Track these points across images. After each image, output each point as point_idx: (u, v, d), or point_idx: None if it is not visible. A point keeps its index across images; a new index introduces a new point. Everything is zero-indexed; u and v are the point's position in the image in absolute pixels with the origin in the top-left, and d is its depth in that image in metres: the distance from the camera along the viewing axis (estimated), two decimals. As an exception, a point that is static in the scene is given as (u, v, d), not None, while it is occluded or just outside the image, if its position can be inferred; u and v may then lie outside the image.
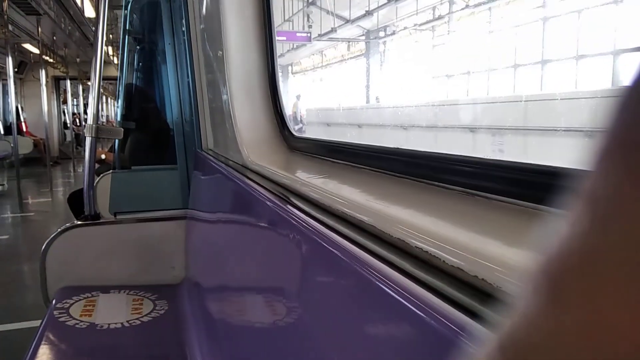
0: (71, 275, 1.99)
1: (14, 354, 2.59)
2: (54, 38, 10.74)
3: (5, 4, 6.82)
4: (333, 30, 15.84)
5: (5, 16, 7.07)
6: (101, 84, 1.98)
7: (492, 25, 11.99)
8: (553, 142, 5.68)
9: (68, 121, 15.68)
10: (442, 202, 0.67)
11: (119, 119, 2.58)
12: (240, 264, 1.25)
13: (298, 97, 17.76)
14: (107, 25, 1.92)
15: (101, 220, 2.07)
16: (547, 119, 6.32)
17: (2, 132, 11.79)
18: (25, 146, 11.22)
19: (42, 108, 9.59)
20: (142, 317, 1.75)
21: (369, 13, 14.52)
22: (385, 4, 13.76)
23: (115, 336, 1.62)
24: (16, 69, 11.12)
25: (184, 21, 2.09)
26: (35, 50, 10.26)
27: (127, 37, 2.58)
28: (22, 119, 12.33)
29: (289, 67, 23.76)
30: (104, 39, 1.98)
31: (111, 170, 2.26)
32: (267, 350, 0.93)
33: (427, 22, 14.14)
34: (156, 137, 2.54)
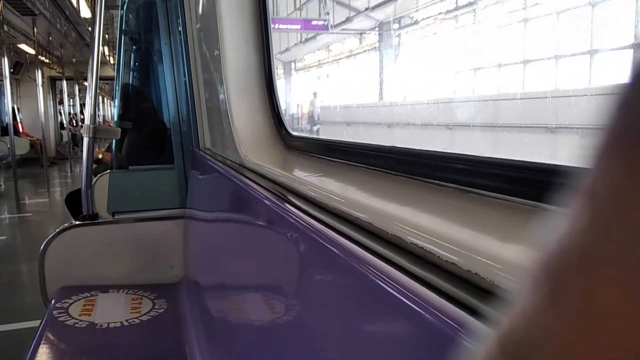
0: (70, 275, 1.99)
1: (14, 354, 2.59)
2: (50, 38, 10.69)
3: (0, 5, 6.80)
4: (348, 19, 14.40)
5: (1, 16, 7.05)
6: (98, 84, 1.98)
7: (526, 12, 9.82)
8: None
9: (65, 121, 15.65)
10: (437, 199, 0.68)
11: (116, 119, 2.58)
12: (238, 262, 1.26)
13: (315, 94, 16.41)
14: (104, 25, 1.91)
15: (99, 220, 2.08)
16: None
17: (-1, 133, 11.76)
18: (21, 147, 11.19)
19: (39, 108, 9.56)
20: (141, 316, 1.75)
21: (383, 3, 12.99)
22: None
23: (114, 335, 1.63)
24: (12, 70, 11.08)
25: (180, 21, 2.10)
26: (31, 51, 10.22)
27: (123, 37, 2.58)
28: (18, 120, 12.29)
29: (292, 64, 22.15)
30: (101, 39, 1.98)
31: (109, 170, 2.26)
32: (265, 348, 0.94)
33: (449, 11, 11.90)
34: (153, 137, 2.54)
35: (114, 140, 2.50)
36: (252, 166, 1.32)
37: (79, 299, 1.86)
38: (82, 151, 2.04)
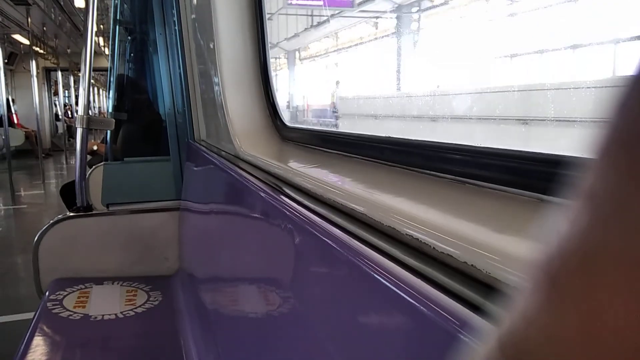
0: (64, 267, 1.98)
1: (8, 345, 2.59)
2: (44, 29, 10.62)
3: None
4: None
5: (-6, 6, 7.00)
6: (92, 74, 1.96)
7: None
8: None
9: (60, 113, 15.57)
10: (433, 190, 0.67)
11: (110, 110, 2.57)
12: (233, 254, 1.25)
13: (337, 83, 14.27)
14: (98, 15, 1.89)
15: (94, 212, 2.07)
16: None
17: (-7, 124, 11.69)
18: (16, 138, 11.15)
19: (33, 100, 9.51)
20: (135, 308, 1.75)
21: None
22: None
23: (109, 327, 1.62)
24: (6, 60, 11.01)
25: (174, 11, 2.08)
26: (25, 41, 10.15)
27: (117, 27, 2.56)
28: (13, 111, 12.23)
29: (296, 53, 20.19)
30: (94, 29, 1.96)
31: (103, 162, 2.25)
32: (260, 340, 0.93)
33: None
34: (148, 128, 2.53)
35: (108, 132, 2.49)
36: (247, 157, 1.32)
37: (74, 291, 1.86)
38: (76, 142, 2.03)
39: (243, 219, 1.22)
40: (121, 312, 1.71)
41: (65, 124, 14.42)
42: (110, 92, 2.65)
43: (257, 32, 1.54)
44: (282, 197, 0.87)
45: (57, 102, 15.66)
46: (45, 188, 8.38)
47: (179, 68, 2.13)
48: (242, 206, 1.23)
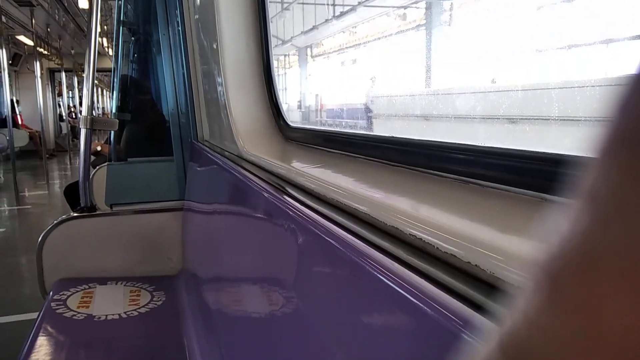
0: (68, 267, 1.99)
1: (12, 346, 2.59)
2: (48, 30, 10.66)
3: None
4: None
5: (-1, 8, 7.02)
6: (95, 75, 1.97)
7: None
8: None
9: (64, 113, 15.62)
10: (436, 190, 0.67)
11: (114, 110, 2.57)
12: (236, 254, 1.25)
13: (373, 79, 13.98)
14: (101, 16, 1.90)
15: (97, 212, 2.07)
16: None
17: (-2, 125, 11.73)
18: (20, 139, 11.18)
19: (38, 100, 9.54)
20: (139, 308, 1.75)
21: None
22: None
23: (112, 327, 1.63)
24: (10, 61, 11.05)
25: (178, 11, 2.08)
26: (30, 42, 10.20)
27: (121, 28, 2.57)
28: (17, 112, 12.27)
29: (308, 50, 19.53)
30: (98, 30, 1.97)
31: (107, 162, 2.25)
32: (264, 340, 0.93)
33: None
34: (152, 129, 2.53)
35: (112, 132, 2.49)
36: (251, 157, 1.32)
37: (77, 291, 1.86)
38: (80, 143, 2.03)
39: (246, 219, 1.22)
40: (125, 312, 1.71)
41: (69, 125, 14.46)
42: (114, 92, 2.66)
43: (260, 32, 1.54)
44: (286, 197, 0.87)
45: (61, 103, 15.73)
46: (49, 188, 8.40)
47: (183, 68, 2.13)
48: (246, 206, 1.23)
